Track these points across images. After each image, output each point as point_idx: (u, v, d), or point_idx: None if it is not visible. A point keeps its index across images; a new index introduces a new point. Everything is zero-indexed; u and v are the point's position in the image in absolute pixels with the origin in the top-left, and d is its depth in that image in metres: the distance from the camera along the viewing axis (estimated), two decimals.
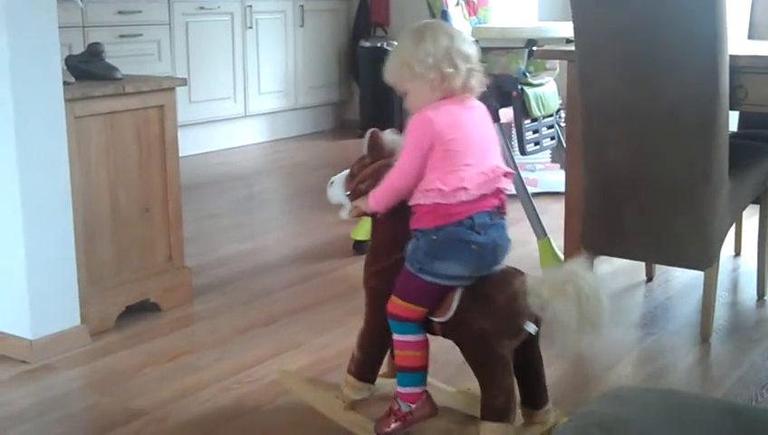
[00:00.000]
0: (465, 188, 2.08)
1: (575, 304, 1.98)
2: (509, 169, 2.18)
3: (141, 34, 5.46)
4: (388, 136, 2.28)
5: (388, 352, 2.37)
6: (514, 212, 4.17)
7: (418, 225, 2.15)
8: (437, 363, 2.55)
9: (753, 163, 3.04)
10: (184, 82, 3.30)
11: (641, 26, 2.76)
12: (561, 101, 4.14)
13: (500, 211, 2.17)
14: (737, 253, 3.70)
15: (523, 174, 4.06)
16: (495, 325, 2.10)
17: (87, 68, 3.03)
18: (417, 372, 2.22)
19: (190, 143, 5.54)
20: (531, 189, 4.13)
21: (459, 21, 4.11)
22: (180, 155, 3.21)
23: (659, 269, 3.49)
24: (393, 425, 2.23)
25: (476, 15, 4.25)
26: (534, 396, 2.26)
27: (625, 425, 1.32)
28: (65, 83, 2.83)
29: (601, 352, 2.88)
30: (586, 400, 2.41)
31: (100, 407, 2.50)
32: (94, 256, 2.96)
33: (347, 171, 2.34)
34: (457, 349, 2.20)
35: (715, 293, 2.90)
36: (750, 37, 3.71)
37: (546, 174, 4.90)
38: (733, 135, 3.02)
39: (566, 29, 3.53)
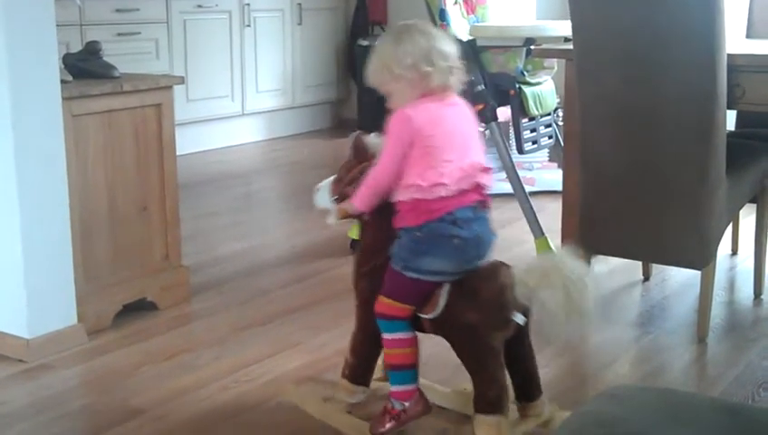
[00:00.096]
0: (443, 184, 2.11)
1: (562, 293, 2.02)
2: (488, 165, 2.20)
3: (139, 33, 5.46)
4: (372, 139, 2.30)
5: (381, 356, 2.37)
6: (512, 211, 4.19)
7: (401, 223, 2.17)
8: (433, 364, 2.56)
9: (750, 162, 3.04)
10: (181, 80, 3.30)
11: (639, 25, 2.76)
12: (558, 100, 4.15)
13: (482, 206, 2.18)
14: (734, 252, 3.71)
15: (521, 173, 4.06)
16: (483, 318, 2.12)
17: (85, 66, 3.03)
18: (408, 370, 2.23)
19: (188, 142, 5.54)
20: (528, 188, 4.13)
21: (457, 19, 4.11)
22: (178, 153, 3.20)
23: (656, 268, 3.49)
24: (388, 425, 2.24)
25: (474, 14, 4.25)
26: (527, 388, 2.28)
27: (622, 424, 1.32)
28: (63, 82, 2.82)
29: (598, 350, 2.88)
30: (583, 399, 2.41)
31: (98, 406, 2.50)
32: (91, 254, 2.96)
33: (333, 177, 2.36)
34: (453, 351, 2.21)
35: (712, 292, 2.90)
36: (748, 36, 3.71)
37: (544, 173, 4.90)
38: (730, 134, 3.02)
39: (564, 28, 3.54)
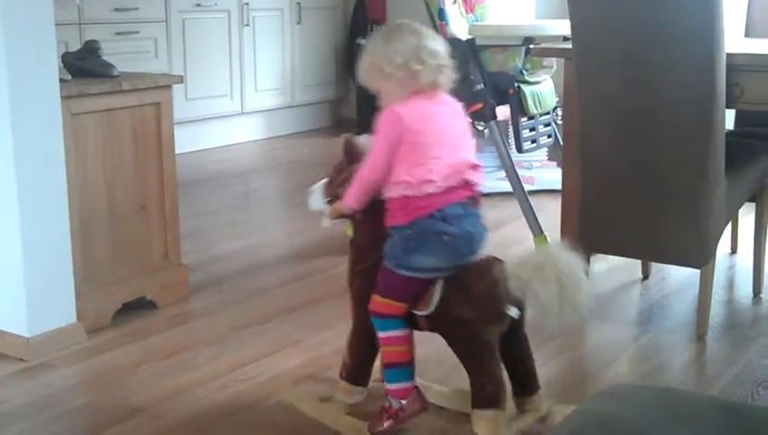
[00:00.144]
0: (431, 181, 2.12)
1: (555, 285, 2.03)
2: (477, 162, 2.21)
3: (138, 32, 5.45)
4: (363, 140, 2.31)
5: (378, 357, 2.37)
6: (511, 210, 4.20)
7: (392, 221, 2.18)
8: (430, 364, 2.56)
9: (749, 161, 3.04)
10: (180, 79, 3.30)
11: (638, 24, 2.76)
12: (557, 99, 4.14)
13: (473, 202, 2.20)
14: (733, 251, 3.71)
15: (520, 172, 4.06)
16: (477, 312, 2.13)
17: (84, 65, 3.03)
18: (404, 367, 2.24)
19: (187, 140, 5.53)
20: (527, 187, 4.13)
21: (456, 18, 4.11)
22: (177, 152, 3.20)
23: (655, 267, 3.49)
24: (386, 423, 2.25)
25: (473, 13, 4.25)
26: (524, 383, 2.29)
27: (621, 423, 1.32)
28: (62, 81, 2.82)
29: (597, 349, 2.88)
30: (582, 398, 2.41)
31: (97, 404, 2.50)
32: (91, 253, 2.96)
33: (326, 180, 2.37)
34: (450, 350, 2.21)
35: (711, 290, 2.90)
36: (747, 35, 3.71)
37: (543, 172, 4.91)
38: (729, 133, 3.02)
39: (563, 27, 3.53)
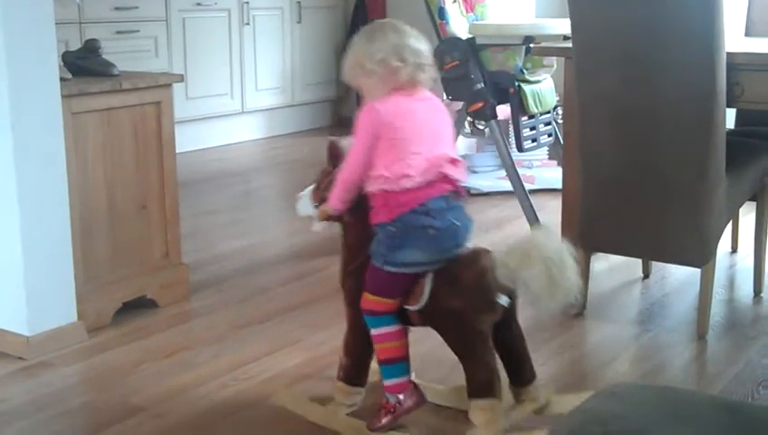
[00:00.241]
0: (408, 175, 2.14)
1: (543, 271, 2.05)
2: (457, 157, 2.23)
3: (138, 31, 5.45)
4: (347, 142, 2.32)
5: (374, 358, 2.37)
6: (511, 208, 4.20)
7: (376, 219, 2.20)
8: (429, 364, 2.56)
9: (749, 160, 3.04)
10: (181, 78, 3.30)
11: (638, 24, 2.76)
12: (558, 98, 4.14)
13: (456, 196, 2.21)
14: (734, 250, 3.71)
15: (521, 171, 4.06)
16: (466, 302, 2.14)
17: (84, 64, 3.03)
18: (400, 363, 2.25)
19: (187, 140, 5.54)
20: (528, 186, 4.14)
21: (456, 17, 4.11)
22: (177, 151, 3.20)
23: (656, 266, 3.49)
24: (384, 419, 2.25)
25: (474, 12, 4.25)
26: (519, 372, 2.31)
27: (621, 422, 1.32)
28: (62, 80, 2.82)
29: (598, 348, 2.88)
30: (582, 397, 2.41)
31: (97, 403, 2.50)
32: (91, 252, 2.96)
33: (313, 185, 2.38)
34: (448, 350, 2.22)
35: (712, 290, 2.90)
36: (747, 34, 3.71)
37: (543, 171, 4.91)
38: (729, 132, 3.02)
39: (563, 26, 3.53)
